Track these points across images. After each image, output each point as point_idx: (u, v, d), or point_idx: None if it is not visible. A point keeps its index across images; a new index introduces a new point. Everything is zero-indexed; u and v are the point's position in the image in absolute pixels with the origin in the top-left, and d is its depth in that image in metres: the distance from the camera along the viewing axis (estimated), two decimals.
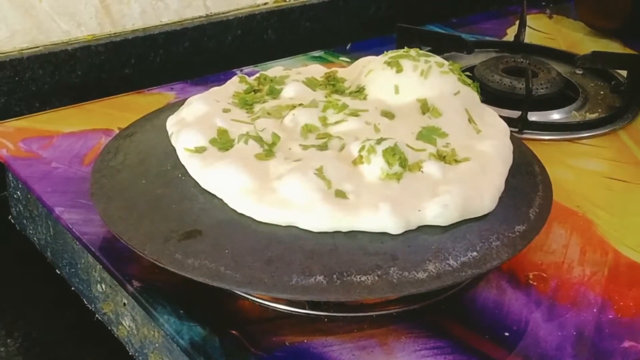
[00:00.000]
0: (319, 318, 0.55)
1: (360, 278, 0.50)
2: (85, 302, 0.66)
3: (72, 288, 0.68)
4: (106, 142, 0.67)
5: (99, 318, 0.64)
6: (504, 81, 0.88)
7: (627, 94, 0.90)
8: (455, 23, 1.13)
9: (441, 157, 0.59)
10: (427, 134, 0.61)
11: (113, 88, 0.86)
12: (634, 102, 0.89)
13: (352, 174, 0.56)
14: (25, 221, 0.74)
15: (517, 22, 1.01)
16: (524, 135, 0.80)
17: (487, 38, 1.08)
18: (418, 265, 0.52)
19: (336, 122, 0.61)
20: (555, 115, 0.86)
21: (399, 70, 0.65)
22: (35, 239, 0.73)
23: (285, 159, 0.57)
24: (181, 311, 0.55)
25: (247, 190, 0.55)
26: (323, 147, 0.58)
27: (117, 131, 0.70)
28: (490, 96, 0.83)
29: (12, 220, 0.76)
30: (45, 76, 0.83)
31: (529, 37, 1.05)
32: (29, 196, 0.71)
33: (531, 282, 0.60)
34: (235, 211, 0.54)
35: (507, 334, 0.55)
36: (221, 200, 0.55)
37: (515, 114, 0.82)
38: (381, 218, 0.53)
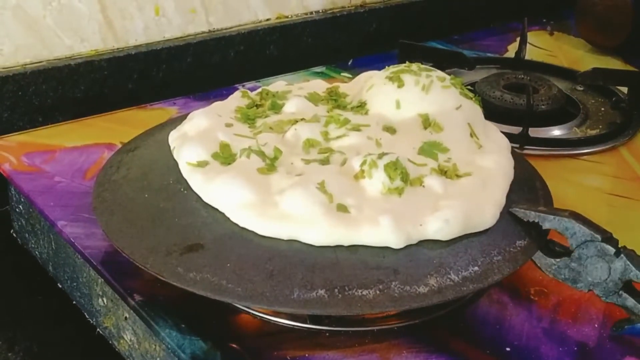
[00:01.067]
0: (320, 332, 0.55)
1: (361, 292, 0.50)
2: (87, 316, 0.66)
3: (74, 302, 0.68)
4: (109, 157, 0.67)
5: (100, 332, 0.64)
6: (505, 97, 0.89)
7: (628, 110, 0.90)
8: (457, 40, 1.14)
9: (442, 172, 0.59)
10: (429, 149, 0.61)
11: (116, 103, 0.86)
12: (635, 118, 0.89)
13: (354, 188, 0.56)
14: (27, 235, 0.74)
15: (518, 39, 1.01)
16: (525, 151, 0.80)
17: (488, 54, 1.08)
18: (419, 280, 0.52)
19: (338, 137, 0.61)
20: (556, 131, 0.87)
21: (401, 85, 0.65)
22: (37, 252, 0.73)
23: (287, 174, 0.57)
24: (183, 325, 0.55)
25: (249, 205, 0.55)
26: (325, 162, 0.59)
27: (119, 146, 0.70)
28: (492, 112, 0.83)
29: (14, 234, 0.76)
30: (49, 91, 0.83)
31: (530, 54, 1.05)
32: (31, 210, 0.71)
33: (533, 297, 0.60)
34: (237, 225, 0.55)
35: (508, 349, 0.55)
36: (223, 214, 0.56)
37: (516, 129, 0.82)
38: (383, 232, 0.53)
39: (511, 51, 1.07)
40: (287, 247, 0.53)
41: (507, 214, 0.58)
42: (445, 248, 0.54)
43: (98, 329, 0.65)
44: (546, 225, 0.56)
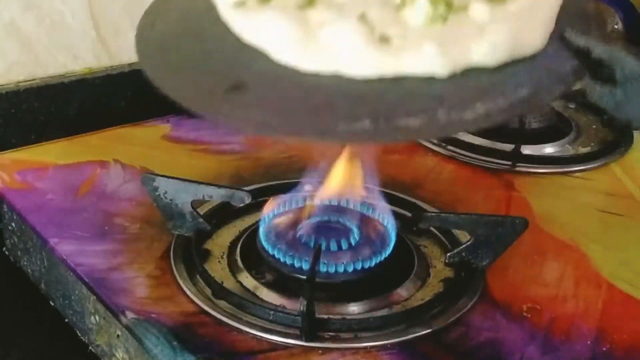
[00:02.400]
0: (313, 350, 0.55)
1: (407, 121, 0.49)
2: (79, 334, 0.66)
3: (66, 320, 0.67)
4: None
5: (93, 350, 0.64)
6: None
7: (619, 127, 0.91)
8: None
9: None
10: None
11: (109, 120, 0.86)
12: (626, 135, 0.90)
13: (396, 19, 0.53)
14: (19, 252, 0.74)
15: None
16: (517, 169, 0.80)
17: None
18: (466, 106, 0.50)
19: None
20: (549, 149, 0.87)
21: None
22: (29, 270, 0.73)
23: (327, 8, 0.54)
24: (175, 342, 0.54)
25: (290, 40, 0.52)
26: None
27: (112, 163, 0.70)
28: (484, 129, 0.84)
29: (6, 252, 0.76)
30: (42, 108, 0.83)
31: None
32: (23, 227, 0.71)
33: (526, 314, 0.60)
34: (278, 62, 0.53)
35: None
36: (263, 53, 0.53)
37: (508, 147, 0.82)
38: (427, 59, 0.51)
39: None
40: (330, 82, 0.51)
41: (556, 40, 0.55)
42: (493, 74, 0.52)
43: (90, 347, 0.64)
44: (595, 53, 0.53)
